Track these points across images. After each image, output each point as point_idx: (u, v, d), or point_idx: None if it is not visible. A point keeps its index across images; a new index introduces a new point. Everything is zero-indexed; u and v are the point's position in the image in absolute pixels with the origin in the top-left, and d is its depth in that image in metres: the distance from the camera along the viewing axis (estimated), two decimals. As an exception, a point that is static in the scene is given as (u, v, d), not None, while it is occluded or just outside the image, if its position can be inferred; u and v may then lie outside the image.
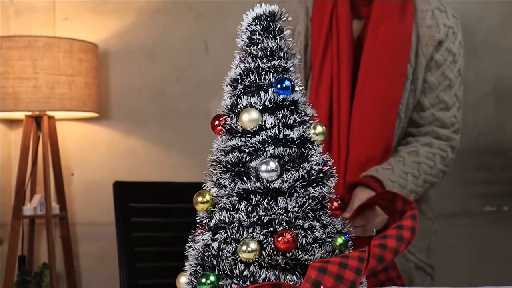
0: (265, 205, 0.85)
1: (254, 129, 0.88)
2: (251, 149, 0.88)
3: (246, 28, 0.92)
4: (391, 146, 1.66)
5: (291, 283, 0.84)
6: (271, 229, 0.85)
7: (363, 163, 1.60)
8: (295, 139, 0.88)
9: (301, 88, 0.93)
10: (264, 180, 0.86)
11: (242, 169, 0.87)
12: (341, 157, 1.62)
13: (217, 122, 0.93)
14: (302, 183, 0.87)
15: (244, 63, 0.91)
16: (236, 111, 0.90)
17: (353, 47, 1.65)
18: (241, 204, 0.86)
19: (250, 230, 0.85)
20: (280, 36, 0.92)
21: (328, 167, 0.90)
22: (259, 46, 0.91)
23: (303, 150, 0.89)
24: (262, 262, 0.85)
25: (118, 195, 2.00)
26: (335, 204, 0.91)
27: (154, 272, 2.03)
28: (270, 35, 0.91)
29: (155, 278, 2.01)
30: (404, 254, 1.68)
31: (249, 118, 0.88)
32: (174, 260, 2.04)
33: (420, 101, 1.70)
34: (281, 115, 0.89)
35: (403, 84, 1.65)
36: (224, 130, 0.91)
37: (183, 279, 0.92)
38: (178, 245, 2.03)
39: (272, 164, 0.86)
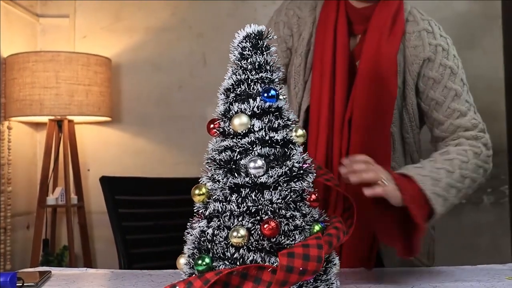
0: (253, 197, 0.85)
1: (244, 131, 0.88)
2: (241, 149, 0.87)
3: (238, 45, 0.91)
4: (386, 165, 1.40)
5: (275, 264, 0.83)
6: (258, 217, 0.85)
7: None
8: (279, 141, 0.88)
9: (284, 96, 0.92)
10: (252, 175, 0.86)
11: (233, 166, 0.87)
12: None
13: (212, 126, 0.92)
14: (285, 179, 0.86)
15: (236, 75, 0.91)
16: (229, 116, 0.89)
17: (348, 62, 1.52)
18: (232, 196, 0.86)
19: (240, 219, 0.85)
20: (267, 52, 0.92)
21: (307, 165, 0.90)
22: (248, 61, 0.90)
23: (286, 150, 0.88)
24: (250, 246, 0.84)
25: (106, 188, 1.94)
26: (313, 196, 0.90)
27: (145, 256, 1.99)
28: (258, 51, 0.91)
29: (147, 262, 1.96)
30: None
31: (239, 122, 0.87)
32: (162, 245, 2.03)
33: (435, 118, 1.52)
34: (267, 119, 0.89)
35: (393, 104, 1.50)
36: (218, 132, 0.91)
37: (182, 260, 0.91)
38: (165, 232, 2.03)
39: (259, 162, 0.86)
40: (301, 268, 0.79)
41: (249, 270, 0.83)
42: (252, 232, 0.84)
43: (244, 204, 0.85)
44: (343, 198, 1.35)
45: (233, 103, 0.89)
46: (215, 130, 0.91)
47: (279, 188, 0.86)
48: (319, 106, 1.51)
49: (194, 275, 0.86)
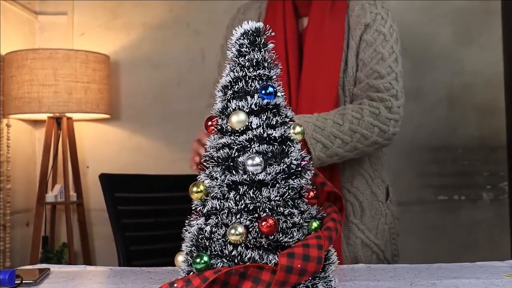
0: (251, 195, 0.85)
1: (242, 129, 0.87)
2: (239, 146, 0.87)
3: (236, 42, 0.91)
4: None
5: (273, 262, 0.83)
6: (256, 215, 0.84)
7: None
8: (277, 138, 0.88)
9: (282, 93, 0.92)
10: (250, 173, 0.85)
11: (231, 164, 0.86)
12: None
13: (210, 123, 0.92)
14: (283, 176, 0.86)
15: (234, 72, 0.90)
16: (227, 113, 0.89)
17: (297, 40, 1.66)
18: (230, 194, 0.85)
19: (238, 216, 0.85)
20: (264, 48, 0.91)
21: (305, 162, 0.89)
22: (246, 57, 0.90)
23: (284, 147, 0.88)
24: (248, 244, 0.84)
25: (104, 185, 1.95)
26: (311, 194, 0.90)
27: (144, 253, 1.99)
28: (256, 48, 0.90)
29: (146, 259, 1.96)
30: (352, 229, 1.62)
31: (237, 119, 0.87)
32: (162, 242, 2.02)
33: (357, 76, 1.61)
34: (265, 117, 0.88)
35: (340, 65, 1.60)
36: (216, 129, 0.90)
37: (180, 257, 0.91)
38: (164, 229, 2.02)
39: (257, 159, 0.85)
40: (301, 269, 0.79)
41: (248, 270, 0.82)
42: (250, 229, 0.84)
43: (242, 202, 0.84)
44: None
45: (231, 100, 0.89)
46: (213, 127, 0.91)
47: (277, 185, 0.85)
48: None
49: (192, 272, 0.85)
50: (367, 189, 1.66)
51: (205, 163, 0.89)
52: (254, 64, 0.90)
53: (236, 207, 0.85)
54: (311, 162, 1.38)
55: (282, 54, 1.63)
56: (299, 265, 0.79)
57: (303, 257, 0.80)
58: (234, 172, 0.86)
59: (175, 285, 0.81)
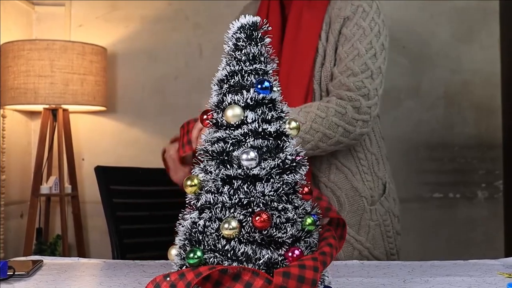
0: (245, 189, 0.84)
1: (237, 123, 0.87)
2: (234, 140, 0.87)
3: (232, 36, 0.91)
4: None
5: (266, 257, 0.83)
6: (250, 210, 0.84)
7: None
8: (272, 133, 0.87)
9: (278, 88, 0.92)
10: (245, 167, 0.85)
11: (226, 158, 0.86)
12: None
13: (205, 117, 0.92)
14: (278, 171, 0.86)
15: (230, 66, 0.90)
16: (222, 107, 0.89)
17: (280, 34, 1.66)
18: (224, 188, 0.85)
19: (232, 211, 0.84)
20: (261, 43, 0.91)
21: (300, 157, 0.89)
22: (243, 52, 0.90)
23: (279, 142, 0.88)
24: (241, 238, 0.84)
25: (100, 178, 1.95)
26: (306, 189, 0.90)
27: (139, 247, 1.99)
28: (253, 42, 0.90)
29: (140, 252, 1.96)
30: None
31: (233, 113, 0.87)
32: (156, 236, 2.02)
33: (333, 72, 1.57)
34: (260, 111, 0.88)
35: (313, 58, 1.58)
36: (211, 123, 0.90)
37: (173, 251, 0.91)
38: (159, 223, 2.02)
39: (252, 154, 0.85)
40: None
41: (243, 273, 0.82)
42: (244, 224, 0.84)
43: (236, 196, 0.84)
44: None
45: (227, 94, 0.89)
46: (208, 121, 0.91)
47: (272, 180, 0.85)
48: None
49: (185, 266, 0.85)
50: (347, 184, 1.62)
51: (198, 157, 0.89)
52: (251, 58, 0.89)
53: (230, 202, 0.85)
54: None
55: None
56: (293, 286, 0.79)
57: (298, 278, 0.80)
58: (229, 166, 0.86)
59: (168, 278, 0.81)
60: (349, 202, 1.62)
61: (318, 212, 0.93)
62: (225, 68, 0.90)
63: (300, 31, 1.62)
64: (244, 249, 0.84)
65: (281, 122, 0.90)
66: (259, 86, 0.88)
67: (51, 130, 2.68)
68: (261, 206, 0.84)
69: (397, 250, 1.72)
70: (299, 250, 0.84)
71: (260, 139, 0.87)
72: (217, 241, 0.84)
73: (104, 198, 1.92)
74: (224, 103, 0.89)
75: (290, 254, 0.84)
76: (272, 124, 0.88)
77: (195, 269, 0.81)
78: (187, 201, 0.90)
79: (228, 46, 0.91)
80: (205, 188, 0.87)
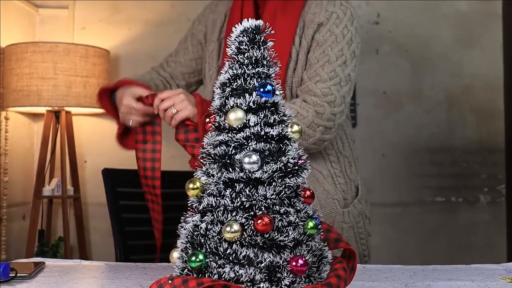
0: (247, 192, 0.84)
1: (239, 126, 0.87)
2: (236, 143, 0.87)
3: (235, 39, 0.91)
4: None
5: (268, 260, 0.83)
6: (252, 213, 0.84)
7: None
8: (274, 136, 0.87)
9: (281, 92, 0.92)
10: (247, 170, 0.85)
11: (228, 161, 0.86)
12: None
13: (208, 120, 0.92)
14: (280, 174, 0.86)
15: (232, 69, 0.90)
16: (224, 110, 0.89)
17: None
18: (226, 191, 0.85)
19: (234, 214, 0.84)
20: (264, 46, 0.91)
21: (302, 161, 0.89)
22: (245, 55, 0.90)
23: (281, 145, 0.88)
24: (243, 242, 0.84)
25: (107, 180, 1.95)
26: (308, 193, 0.90)
27: (142, 249, 1.99)
28: (255, 46, 0.90)
29: (143, 254, 1.96)
30: None
31: (235, 117, 0.87)
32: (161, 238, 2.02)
33: (302, 77, 1.55)
34: (263, 115, 0.88)
35: (286, 63, 1.56)
36: (213, 126, 0.90)
37: (175, 254, 0.91)
38: (163, 225, 2.02)
39: (254, 157, 0.85)
40: None
41: None
42: (246, 227, 0.83)
43: (238, 199, 0.84)
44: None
45: (229, 98, 0.89)
46: (210, 124, 0.91)
47: (274, 183, 0.85)
48: None
49: (186, 269, 0.85)
50: (318, 187, 1.61)
51: (201, 160, 0.89)
52: (253, 62, 0.90)
53: (232, 205, 0.85)
54: None
55: None
56: None
57: None
58: (231, 170, 0.86)
59: (170, 281, 0.82)
60: (321, 205, 1.60)
61: (319, 215, 0.93)
62: (228, 72, 0.90)
63: (274, 35, 1.59)
64: (246, 252, 0.83)
65: (283, 125, 0.89)
66: (261, 90, 0.88)
67: (53, 132, 2.68)
68: (263, 209, 0.84)
69: (369, 252, 1.71)
70: (303, 259, 0.83)
71: (262, 143, 0.87)
72: (219, 244, 0.84)
73: (109, 200, 1.92)
74: (226, 107, 0.89)
75: (294, 263, 0.83)
76: (274, 127, 0.88)
77: (198, 278, 0.82)
78: (189, 204, 0.90)
79: (231, 50, 0.91)
80: (207, 191, 0.87)
